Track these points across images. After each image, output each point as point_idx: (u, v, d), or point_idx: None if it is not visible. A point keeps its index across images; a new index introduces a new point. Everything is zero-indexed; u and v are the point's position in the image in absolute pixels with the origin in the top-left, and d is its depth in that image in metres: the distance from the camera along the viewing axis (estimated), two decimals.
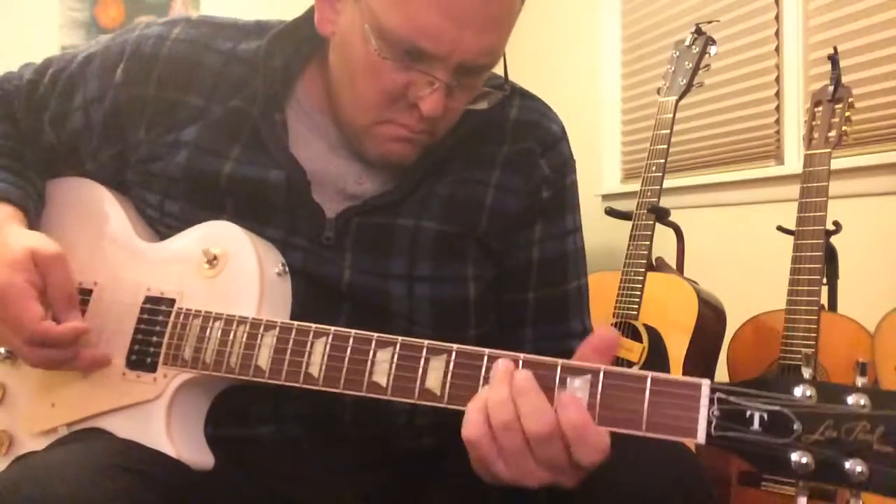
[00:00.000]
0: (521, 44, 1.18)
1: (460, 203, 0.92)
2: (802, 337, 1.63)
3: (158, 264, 0.89)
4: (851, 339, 1.64)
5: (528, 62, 2.48)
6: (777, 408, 0.61)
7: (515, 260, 0.96)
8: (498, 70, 0.91)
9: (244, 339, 0.80)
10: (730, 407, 0.62)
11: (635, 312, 1.91)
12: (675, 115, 2.03)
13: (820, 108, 1.76)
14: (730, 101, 2.49)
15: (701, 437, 0.62)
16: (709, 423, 0.62)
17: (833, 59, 1.78)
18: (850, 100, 1.74)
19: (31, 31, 3.22)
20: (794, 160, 2.26)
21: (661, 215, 2.01)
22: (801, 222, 1.69)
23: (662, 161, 2.00)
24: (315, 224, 0.89)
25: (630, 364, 1.89)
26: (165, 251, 0.90)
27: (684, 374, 1.81)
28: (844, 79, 1.78)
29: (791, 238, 1.71)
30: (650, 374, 0.66)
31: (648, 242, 1.96)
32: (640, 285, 1.92)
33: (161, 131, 0.92)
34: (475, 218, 0.92)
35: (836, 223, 1.71)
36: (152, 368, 0.83)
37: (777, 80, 2.33)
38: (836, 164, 1.74)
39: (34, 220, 0.93)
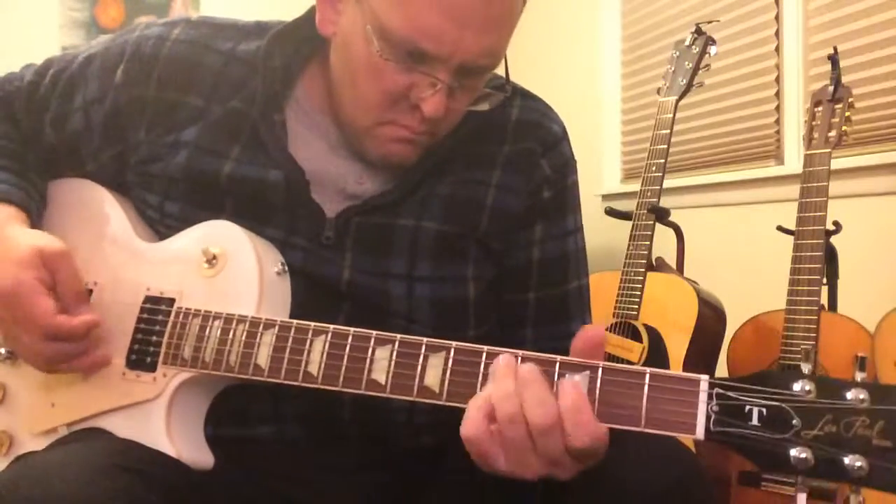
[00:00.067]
0: (522, 44, 1.18)
1: (461, 203, 0.92)
2: (802, 337, 1.63)
3: (158, 264, 0.89)
4: (851, 338, 1.63)
5: (528, 62, 2.48)
6: (776, 403, 0.61)
7: (516, 260, 0.96)
8: (499, 71, 0.91)
9: (243, 338, 0.80)
10: (728, 402, 0.62)
11: (635, 312, 1.91)
12: (675, 115, 2.03)
13: (820, 108, 1.76)
14: (730, 101, 2.49)
15: (700, 432, 0.62)
16: (707, 418, 0.62)
17: (833, 59, 1.78)
18: (850, 100, 1.74)
19: (31, 31, 3.22)
20: (794, 160, 2.26)
21: (661, 215, 2.01)
22: (801, 222, 1.69)
23: (662, 161, 2.00)
24: (315, 224, 0.89)
25: (630, 364, 1.88)
26: (165, 251, 0.90)
27: None
28: (844, 79, 1.78)
29: (791, 238, 1.71)
30: (649, 369, 0.66)
31: (648, 242, 1.96)
32: (640, 285, 1.92)
33: (161, 132, 0.92)
34: (476, 218, 0.92)
35: (836, 223, 1.71)
36: (152, 368, 0.84)
37: (777, 80, 2.33)
38: (836, 164, 1.74)
39: (36, 220, 0.93)
